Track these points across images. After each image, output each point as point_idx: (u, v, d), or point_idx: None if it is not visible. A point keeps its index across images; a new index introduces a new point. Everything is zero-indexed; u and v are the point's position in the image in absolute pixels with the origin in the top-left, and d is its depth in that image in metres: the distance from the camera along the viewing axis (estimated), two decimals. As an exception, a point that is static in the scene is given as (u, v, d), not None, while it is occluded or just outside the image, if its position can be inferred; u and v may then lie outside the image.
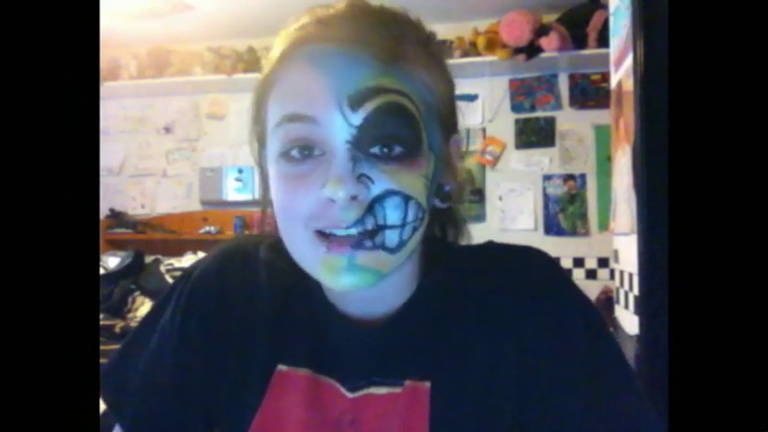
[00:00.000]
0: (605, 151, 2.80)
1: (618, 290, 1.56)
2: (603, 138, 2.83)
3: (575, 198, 3.00)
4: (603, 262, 2.90)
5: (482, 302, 0.55)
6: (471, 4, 2.91)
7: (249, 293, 0.59)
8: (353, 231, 0.48)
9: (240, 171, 3.30)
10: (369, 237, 0.48)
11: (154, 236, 3.34)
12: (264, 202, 0.57)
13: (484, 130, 3.12)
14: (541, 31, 2.80)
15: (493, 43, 2.90)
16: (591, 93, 2.98)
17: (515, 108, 3.10)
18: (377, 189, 0.48)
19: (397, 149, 0.48)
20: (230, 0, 2.87)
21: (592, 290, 2.68)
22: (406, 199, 0.49)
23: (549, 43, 2.77)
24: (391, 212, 0.48)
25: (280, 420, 0.54)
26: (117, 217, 3.43)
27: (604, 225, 2.81)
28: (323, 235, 0.49)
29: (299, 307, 0.58)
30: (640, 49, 1.20)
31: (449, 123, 0.55)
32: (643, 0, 1.20)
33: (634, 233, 1.27)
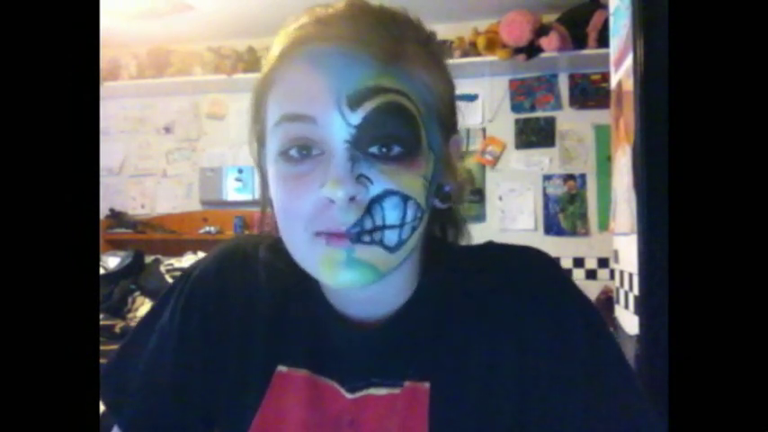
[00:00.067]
0: (605, 151, 2.80)
1: (618, 290, 1.56)
2: (603, 138, 2.83)
3: (575, 198, 2.99)
4: (603, 262, 2.90)
5: (482, 302, 0.55)
6: (471, 4, 2.90)
7: (248, 294, 0.59)
8: (352, 231, 0.48)
9: (240, 171, 3.30)
10: (368, 233, 0.48)
11: (154, 236, 3.34)
12: (264, 201, 0.57)
13: (484, 130, 3.12)
14: (541, 31, 2.79)
15: (493, 43, 2.90)
16: (591, 93, 2.98)
17: (515, 108, 3.10)
18: (375, 189, 0.48)
19: (396, 149, 0.48)
20: (230, 0, 2.87)
21: (592, 290, 2.68)
22: (405, 199, 0.49)
23: (549, 43, 2.77)
24: (390, 212, 0.48)
25: (279, 421, 0.54)
26: (117, 217, 3.43)
27: (604, 225, 2.81)
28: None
29: (298, 308, 0.58)
30: (640, 49, 1.20)
31: (448, 123, 0.55)
32: (643, 0, 1.20)
33: (634, 233, 1.27)
